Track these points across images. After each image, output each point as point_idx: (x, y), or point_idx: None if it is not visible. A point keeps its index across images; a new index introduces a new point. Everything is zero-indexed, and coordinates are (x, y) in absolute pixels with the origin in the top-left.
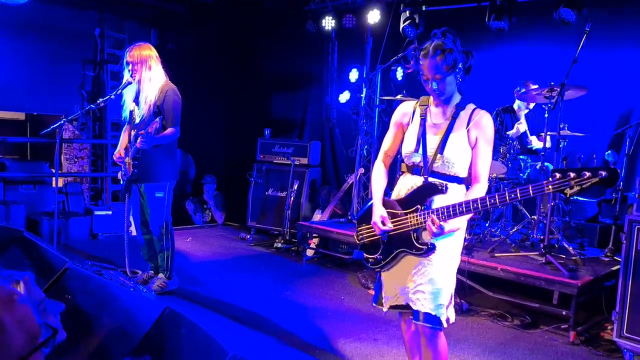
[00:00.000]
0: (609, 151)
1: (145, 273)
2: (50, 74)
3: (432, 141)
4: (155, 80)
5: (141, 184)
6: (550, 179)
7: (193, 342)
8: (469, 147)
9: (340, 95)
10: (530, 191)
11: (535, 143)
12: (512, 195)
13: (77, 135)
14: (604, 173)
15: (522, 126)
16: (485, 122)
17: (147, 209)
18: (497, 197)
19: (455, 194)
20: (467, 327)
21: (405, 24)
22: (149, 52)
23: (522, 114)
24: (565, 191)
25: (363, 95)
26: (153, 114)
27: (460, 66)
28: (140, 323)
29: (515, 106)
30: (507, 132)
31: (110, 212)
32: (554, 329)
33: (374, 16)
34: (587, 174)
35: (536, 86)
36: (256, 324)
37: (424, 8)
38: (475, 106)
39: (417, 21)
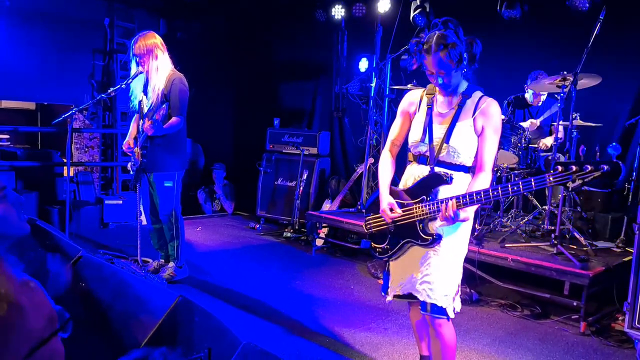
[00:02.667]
0: (613, 143)
1: (156, 262)
2: (60, 64)
3: (438, 130)
4: (162, 69)
5: (150, 173)
6: (552, 171)
7: (206, 331)
8: (475, 136)
9: (350, 85)
10: (533, 184)
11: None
12: (515, 188)
13: (87, 124)
14: (606, 167)
15: (535, 122)
16: (492, 110)
17: (156, 198)
18: (499, 189)
19: (460, 184)
20: (476, 317)
21: (416, 12)
22: (154, 40)
23: (538, 119)
24: (567, 184)
25: (373, 84)
26: (161, 102)
27: (465, 56)
28: (154, 311)
29: (528, 97)
30: (521, 124)
31: (120, 202)
32: (564, 320)
33: (384, 5)
34: (589, 167)
35: (547, 80)
36: (265, 313)
37: None
38: (482, 94)
39: (427, 10)
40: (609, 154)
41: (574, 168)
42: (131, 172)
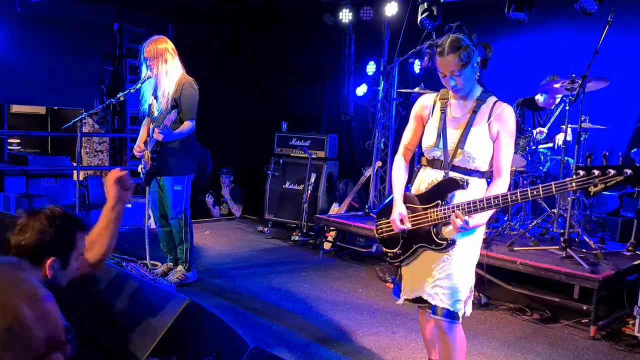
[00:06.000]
0: (635, 149)
1: (164, 265)
2: (70, 69)
3: (453, 135)
4: (171, 73)
5: (160, 177)
6: (574, 176)
7: (215, 334)
8: (490, 141)
9: (358, 88)
10: (553, 189)
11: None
12: (535, 192)
13: (97, 129)
14: (629, 171)
15: (543, 130)
16: (506, 114)
17: (166, 201)
18: (519, 193)
19: (475, 189)
20: (485, 321)
21: (423, 16)
22: (165, 45)
23: (552, 118)
24: (590, 189)
25: (380, 88)
26: (171, 107)
27: (478, 60)
28: (163, 315)
29: (541, 99)
30: (532, 130)
31: (129, 205)
32: (574, 324)
33: (391, 8)
34: (612, 172)
35: (559, 84)
36: (273, 316)
37: (441, 0)
38: (496, 99)
39: (434, 13)
40: (632, 158)
41: (596, 172)
42: (142, 176)
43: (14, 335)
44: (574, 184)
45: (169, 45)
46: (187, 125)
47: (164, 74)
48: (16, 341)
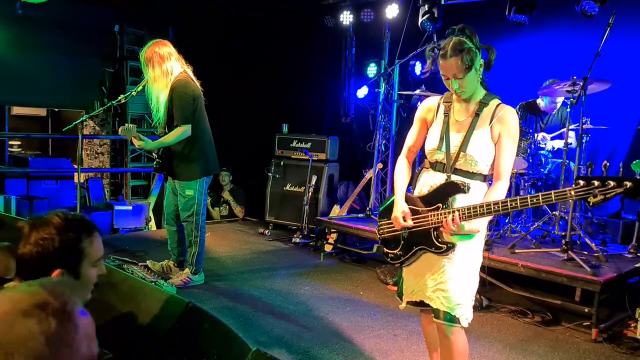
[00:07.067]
0: (637, 160)
1: (164, 262)
2: (71, 70)
3: (456, 138)
4: (160, 79)
5: (174, 180)
6: (574, 186)
7: (216, 337)
8: (492, 144)
9: (358, 90)
10: (553, 197)
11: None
12: (534, 200)
13: (98, 131)
14: (629, 184)
15: (547, 137)
16: (508, 117)
17: (178, 204)
18: (518, 200)
19: (477, 192)
20: (487, 324)
21: (424, 18)
22: (152, 51)
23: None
24: (589, 199)
25: (381, 90)
26: (167, 112)
27: (481, 62)
28: (164, 317)
29: (543, 103)
30: (534, 133)
31: (130, 208)
32: (575, 326)
33: (392, 10)
34: (612, 183)
35: (560, 86)
36: (275, 319)
37: (442, 2)
38: (499, 102)
39: (435, 15)
40: (633, 170)
41: (596, 183)
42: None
43: None
44: (573, 194)
45: (160, 50)
46: (177, 131)
47: (152, 81)
48: None
